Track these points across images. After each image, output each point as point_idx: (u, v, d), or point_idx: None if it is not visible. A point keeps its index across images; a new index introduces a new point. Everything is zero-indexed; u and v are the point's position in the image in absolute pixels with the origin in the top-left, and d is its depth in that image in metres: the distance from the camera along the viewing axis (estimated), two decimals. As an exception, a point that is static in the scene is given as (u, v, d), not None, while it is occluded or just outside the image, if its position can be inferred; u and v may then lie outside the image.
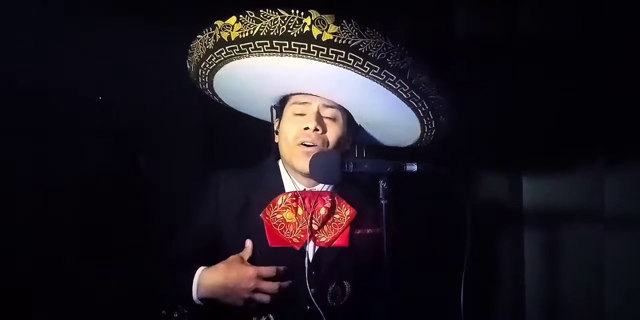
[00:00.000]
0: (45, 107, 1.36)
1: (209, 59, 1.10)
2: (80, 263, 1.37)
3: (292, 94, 1.18)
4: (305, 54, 0.98)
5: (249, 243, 1.12)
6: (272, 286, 1.06)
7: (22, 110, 1.33)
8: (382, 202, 1.00)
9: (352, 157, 1.02)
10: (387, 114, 1.18)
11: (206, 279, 1.05)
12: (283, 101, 1.21)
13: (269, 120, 1.26)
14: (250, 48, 1.01)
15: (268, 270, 1.06)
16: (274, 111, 1.23)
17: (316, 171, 1.04)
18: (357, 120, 1.24)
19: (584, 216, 1.70)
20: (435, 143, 1.32)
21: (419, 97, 1.09)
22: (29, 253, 1.32)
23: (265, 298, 1.06)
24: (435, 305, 1.45)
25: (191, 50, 1.16)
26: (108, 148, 1.52)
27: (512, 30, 1.78)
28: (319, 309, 1.10)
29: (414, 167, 1.01)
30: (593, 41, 1.63)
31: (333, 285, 1.16)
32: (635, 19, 1.52)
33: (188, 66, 1.23)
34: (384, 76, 1.02)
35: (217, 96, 1.31)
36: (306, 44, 0.96)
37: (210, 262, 1.10)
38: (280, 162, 1.24)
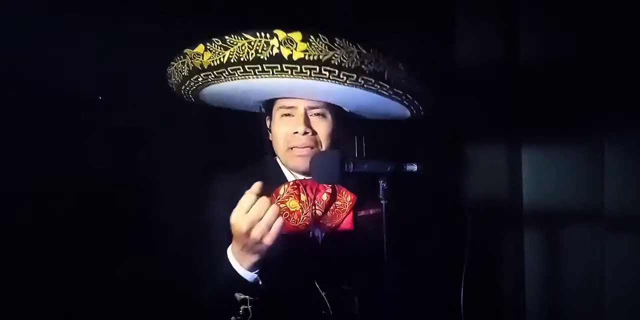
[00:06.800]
0: (45, 107, 1.36)
1: (187, 83, 1.12)
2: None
3: (277, 98, 1.17)
4: (279, 74, 0.98)
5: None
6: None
7: (22, 110, 1.33)
8: (382, 202, 1.00)
9: (352, 157, 1.01)
10: (374, 107, 1.18)
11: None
12: (270, 102, 1.20)
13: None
14: (224, 74, 1.01)
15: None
16: (263, 110, 1.23)
17: (317, 172, 1.04)
18: (347, 108, 1.23)
19: (584, 216, 1.70)
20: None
21: (401, 92, 1.08)
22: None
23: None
24: (435, 305, 1.45)
25: (169, 74, 1.16)
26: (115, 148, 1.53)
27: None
28: (329, 293, 1.10)
29: (414, 167, 1.01)
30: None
31: (344, 269, 1.15)
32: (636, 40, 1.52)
33: (170, 86, 1.22)
34: (362, 81, 1.01)
35: (204, 103, 1.31)
36: (278, 65, 0.95)
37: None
38: (277, 158, 1.24)
